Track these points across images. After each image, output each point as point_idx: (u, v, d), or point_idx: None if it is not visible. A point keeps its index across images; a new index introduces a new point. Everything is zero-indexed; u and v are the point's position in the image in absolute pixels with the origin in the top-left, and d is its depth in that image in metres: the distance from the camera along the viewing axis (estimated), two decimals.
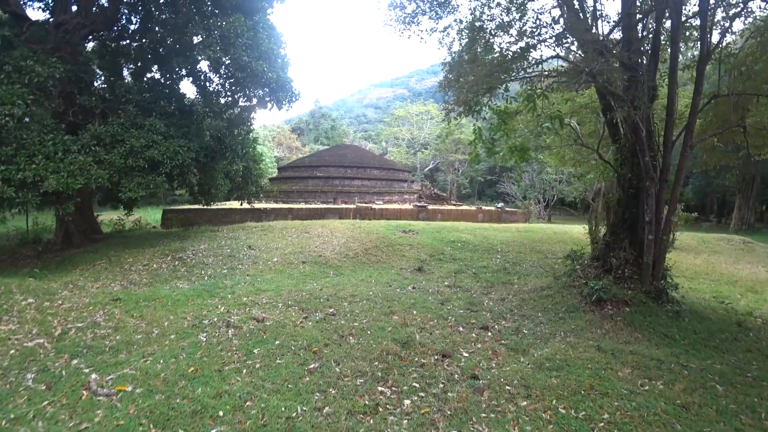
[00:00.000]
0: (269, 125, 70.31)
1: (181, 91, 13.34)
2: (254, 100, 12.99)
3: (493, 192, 53.95)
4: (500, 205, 29.23)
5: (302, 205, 22.08)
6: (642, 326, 6.46)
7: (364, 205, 22.24)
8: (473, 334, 5.90)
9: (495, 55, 6.88)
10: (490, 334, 5.97)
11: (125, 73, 14.64)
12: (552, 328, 6.38)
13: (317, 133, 76.04)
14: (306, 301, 7.40)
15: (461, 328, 6.10)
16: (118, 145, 10.63)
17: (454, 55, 9.44)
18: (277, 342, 5.62)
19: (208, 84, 13.16)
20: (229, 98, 13.28)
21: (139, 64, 14.21)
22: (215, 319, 6.58)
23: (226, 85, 12.92)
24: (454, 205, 29.39)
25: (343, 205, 22.31)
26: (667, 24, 7.91)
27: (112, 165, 10.39)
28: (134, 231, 16.95)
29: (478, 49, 8.41)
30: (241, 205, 17.43)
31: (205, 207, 16.09)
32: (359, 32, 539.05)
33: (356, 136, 79.88)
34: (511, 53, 7.05)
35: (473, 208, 26.71)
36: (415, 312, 6.71)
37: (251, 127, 14.07)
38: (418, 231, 14.69)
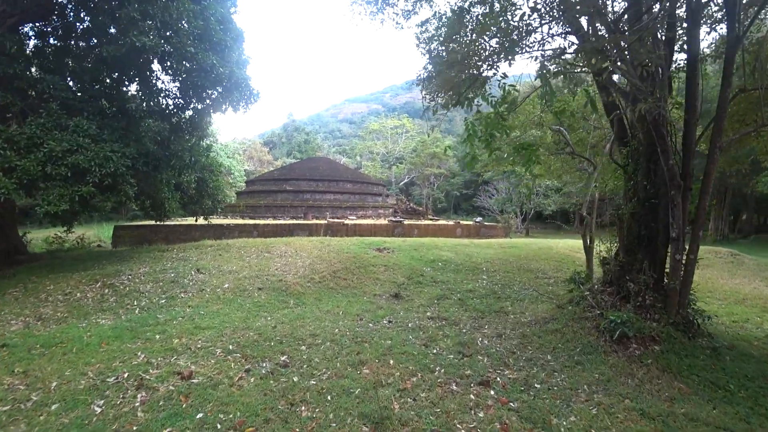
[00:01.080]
0: (240, 138, 68.19)
1: (129, 94, 11.45)
2: (207, 102, 11.34)
3: (469, 206, 53.14)
4: (479, 219, 28.12)
5: (270, 221, 20.29)
6: (681, 371, 5.07)
7: (335, 220, 20.64)
8: (471, 395, 4.35)
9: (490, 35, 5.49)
10: (492, 392, 4.44)
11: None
12: (571, 378, 4.90)
13: (290, 147, 74.07)
14: (253, 345, 5.72)
15: (454, 386, 4.54)
16: (36, 149, 8.84)
17: (433, 45, 8.09)
18: (198, 416, 3.96)
19: (154, 81, 11.40)
20: (179, 100, 11.59)
21: (88, 64, 12.26)
22: (126, 376, 4.85)
23: (176, 83, 11.25)
24: (431, 219, 28.08)
25: (314, 221, 20.65)
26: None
27: (27, 173, 8.59)
28: (74, 250, 14.85)
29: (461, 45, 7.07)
30: (196, 221, 15.59)
31: (159, 223, 14.22)
32: (335, 47, 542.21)
33: (330, 151, 78.26)
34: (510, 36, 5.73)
35: (451, 222, 25.44)
36: (392, 362, 5.10)
37: (205, 133, 12.33)
38: (394, 249, 13.18)
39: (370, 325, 6.81)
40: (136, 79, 11.40)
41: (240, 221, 20.09)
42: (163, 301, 8.17)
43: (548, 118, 10.62)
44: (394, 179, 56.80)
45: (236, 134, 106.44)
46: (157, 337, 6.14)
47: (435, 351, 5.63)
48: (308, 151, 70.77)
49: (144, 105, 9.45)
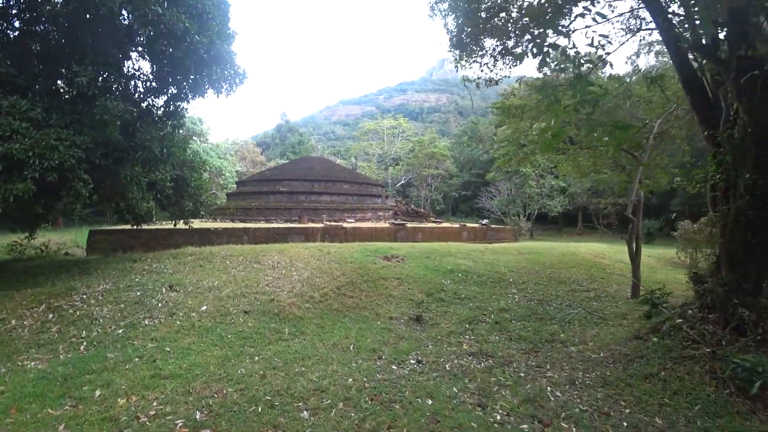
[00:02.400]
0: (232, 139, 66.09)
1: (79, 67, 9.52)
2: (185, 83, 9.54)
3: (468, 207, 51.64)
4: (485, 221, 26.44)
5: (262, 225, 18.49)
6: None
7: (333, 223, 18.89)
8: None
9: None
10: None
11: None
12: None
13: (284, 148, 72.16)
14: (231, 411, 3.94)
15: None
16: None
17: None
18: None
19: (124, 60, 9.56)
20: (152, 83, 9.81)
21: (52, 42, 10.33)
22: None
23: (152, 64, 9.48)
24: (434, 222, 26.38)
25: (310, 224, 18.86)
26: None
27: None
28: (36, 259, 12.95)
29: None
30: (175, 225, 13.76)
31: (138, 227, 12.42)
32: (330, 43, 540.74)
33: (324, 152, 76.30)
34: None
35: (456, 225, 23.77)
36: None
37: (182, 122, 10.50)
38: (403, 257, 11.45)
39: (394, 367, 5.04)
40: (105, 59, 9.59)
41: (229, 225, 18.29)
42: (120, 331, 6.36)
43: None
44: (390, 181, 55.10)
45: (228, 135, 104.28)
46: (97, 394, 4.35)
47: (498, 417, 3.88)
48: (302, 152, 68.87)
49: (99, 81, 7.62)
